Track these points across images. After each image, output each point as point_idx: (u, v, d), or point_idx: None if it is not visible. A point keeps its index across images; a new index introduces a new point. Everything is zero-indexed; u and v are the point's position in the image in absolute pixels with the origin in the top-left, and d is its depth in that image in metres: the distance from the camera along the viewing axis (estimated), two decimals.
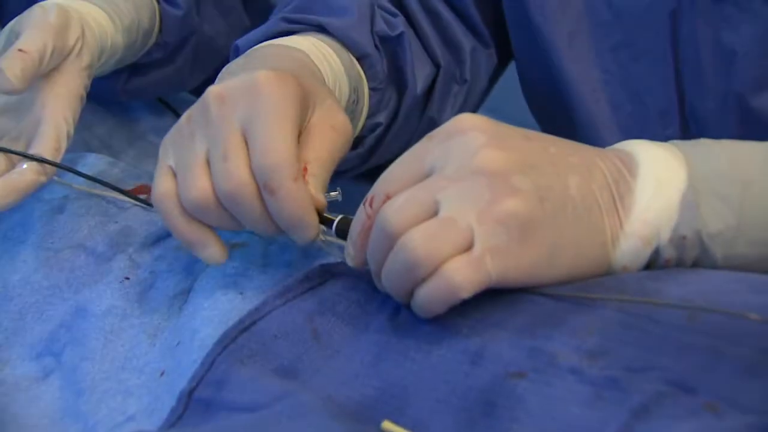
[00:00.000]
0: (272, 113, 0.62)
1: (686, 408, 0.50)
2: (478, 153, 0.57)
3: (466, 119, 0.59)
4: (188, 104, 1.06)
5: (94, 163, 0.83)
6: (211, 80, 1.04)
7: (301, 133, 0.65)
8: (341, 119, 0.67)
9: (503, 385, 0.54)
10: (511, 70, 0.94)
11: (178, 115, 1.03)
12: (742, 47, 0.75)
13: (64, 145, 0.75)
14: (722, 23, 0.75)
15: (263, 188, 0.61)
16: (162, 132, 1.01)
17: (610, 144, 0.82)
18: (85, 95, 0.78)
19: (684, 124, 0.81)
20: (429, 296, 0.57)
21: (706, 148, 0.62)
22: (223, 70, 0.73)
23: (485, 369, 0.55)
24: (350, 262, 0.62)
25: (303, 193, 0.62)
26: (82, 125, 0.77)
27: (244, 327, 0.62)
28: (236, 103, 0.63)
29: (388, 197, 0.59)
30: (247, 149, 0.62)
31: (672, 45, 0.79)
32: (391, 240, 0.57)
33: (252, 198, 0.62)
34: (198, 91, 1.07)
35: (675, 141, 0.63)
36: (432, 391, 0.56)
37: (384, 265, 0.58)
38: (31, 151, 0.73)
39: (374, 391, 0.57)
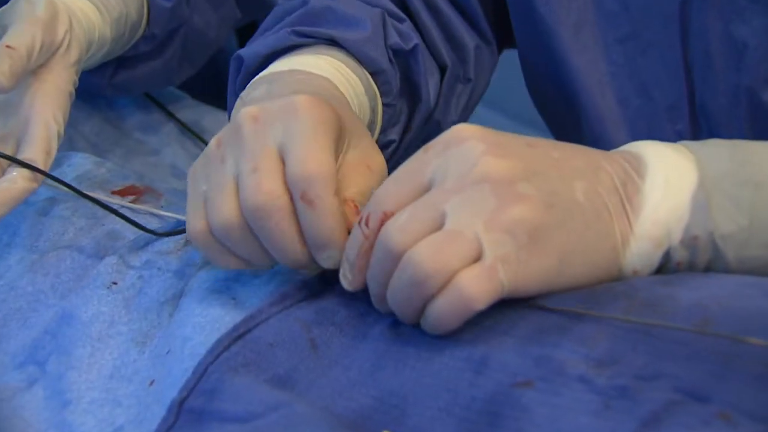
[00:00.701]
0: (311, 130, 0.61)
1: (698, 417, 0.50)
2: (479, 161, 0.57)
3: (463, 129, 0.59)
4: (176, 100, 1.07)
5: (80, 163, 0.83)
6: (200, 75, 1.04)
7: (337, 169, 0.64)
8: (378, 160, 0.67)
9: (509, 395, 0.54)
10: (515, 64, 0.93)
11: (166, 111, 1.03)
12: (753, 40, 0.75)
13: (54, 146, 0.74)
14: (733, 15, 0.75)
15: (300, 199, 0.60)
16: (149, 129, 1.01)
17: (617, 140, 0.83)
18: (74, 92, 0.78)
19: (694, 119, 0.81)
20: (442, 311, 0.56)
21: (717, 148, 0.62)
22: (242, 95, 0.72)
23: (489, 377, 0.55)
24: (347, 286, 0.62)
25: (341, 212, 0.61)
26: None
27: (238, 335, 0.62)
28: (272, 123, 0.62)
29: (385, 215, 0.59)
30: (282, 166, 0.61)
31: (681, 37, 0.79)
32: (396, 259, 0.57)
33: (283, 212, 0.61)
34: (186, 86, 1.07)
35: (685, 141, 0.63)
36: (433, 400, 0.56)
37: (389, 284, 0.58)
38: (21, 156, 0.72)
39: (372, 400, 0.57)
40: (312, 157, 0.60)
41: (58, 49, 0.76)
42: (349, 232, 0.62)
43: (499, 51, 0.95)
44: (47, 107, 0.74)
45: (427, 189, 0.58)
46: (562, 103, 0.87)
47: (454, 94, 0.90)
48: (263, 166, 0.61)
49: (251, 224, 0.62)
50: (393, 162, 0.88)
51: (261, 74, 0.75)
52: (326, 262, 0.63)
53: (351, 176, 0.65)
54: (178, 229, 0.74)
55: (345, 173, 0.65)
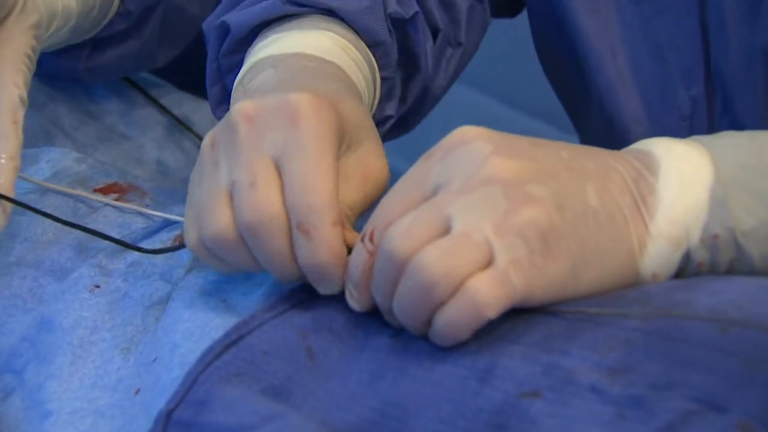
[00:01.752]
0: (313, 145, 0.60)
1: (717, 428, 0.50)
2: (486, 162, 0.57)
3: (467, 130, 0.59)
4: (158, 89, 1.05)
5: (58, 158, 0.82)
6: (182, 56, 1.02)
7: None
8: (377, 166, 0.66)
9: (515, 406, 0.54)
10: (530, 55, 0.92)
11: (156, 102, 1.01)
12: None
13: (20, 115, 0.73)
14: None
15: (296, 227, 0.60)
16: (133, 122, 0.99)
17: (627, 107, 0.83)
18: (34, 57, 0.77)
19: (709, 83, 0.81)
20: (451, 319, 0.56)
21: (732, 140, 0.62)
22: (243, 79, 0.71)
23: (495, 387, 0.56)
24: (355, 307, 0.62)
25: (340, 242, 0.61)
26: (33, 109, 0.76)
27: (230, 342, 0.62)
28: (268, 126, 0.61)
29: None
30: (280, 181, 0.60)
31: None
32: (400, 266, 0.57)
33: (280, 234, 0.60)
34: (167, 71, 1.05)
35: (697, 136, 0.63)
36: (435, 411, 0.56)
37: (395, 294, 0.58)
38: None
39: (371, 412, 0.58)
40: (312, 185, 0.60)
41: (11, 10, 0.75)
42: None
43: (493, 16, 0.94)
44: (5, 73, 0.74)
45: (432, 196, 0.58)
46: (571, 69, 0.87)
47: (443, 58, 0.88)
48: (261, 180, 0.60)
49: (245, 239, 0.61)
50: (390, 138, 0.87)
51: (264, 54, 0.73)
52: (323, 289, 0.63)
53: (343, 184, 0.64)
54: (169, 246, 0.73)
55: (339, 179, 0.64)
